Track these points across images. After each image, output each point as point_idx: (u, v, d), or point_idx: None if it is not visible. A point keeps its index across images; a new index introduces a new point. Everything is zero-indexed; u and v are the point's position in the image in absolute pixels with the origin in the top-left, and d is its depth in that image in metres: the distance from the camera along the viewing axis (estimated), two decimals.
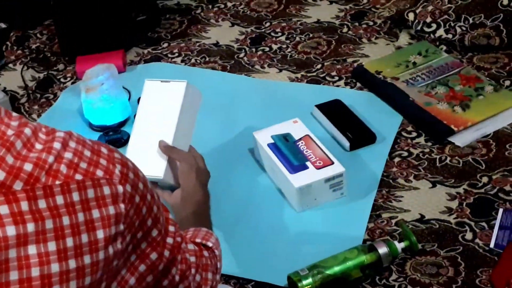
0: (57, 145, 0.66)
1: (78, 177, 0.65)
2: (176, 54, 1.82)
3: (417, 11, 1.75)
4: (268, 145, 1.39)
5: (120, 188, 0.68)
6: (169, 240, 0.79)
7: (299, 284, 1.13)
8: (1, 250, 0.60)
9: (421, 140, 1.47)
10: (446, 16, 1.70)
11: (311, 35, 1.84)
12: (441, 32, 1.71)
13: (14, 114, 0.69)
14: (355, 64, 1.71)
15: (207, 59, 1.79)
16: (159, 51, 1.84)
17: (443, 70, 1.62)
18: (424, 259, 1.20)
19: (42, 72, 1.81)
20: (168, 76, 1.71)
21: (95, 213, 0.65)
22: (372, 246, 1.18)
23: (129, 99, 1.64)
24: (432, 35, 1.72)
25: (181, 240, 0.84)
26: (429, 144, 1.45)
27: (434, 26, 1.71)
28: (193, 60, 1.79)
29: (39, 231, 0.61)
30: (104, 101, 1.55)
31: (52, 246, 0.62)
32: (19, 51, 1.89)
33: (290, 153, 1.36)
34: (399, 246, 1.19)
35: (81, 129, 1.58)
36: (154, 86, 1.28)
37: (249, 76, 1.71)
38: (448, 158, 1.41)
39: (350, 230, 1.27)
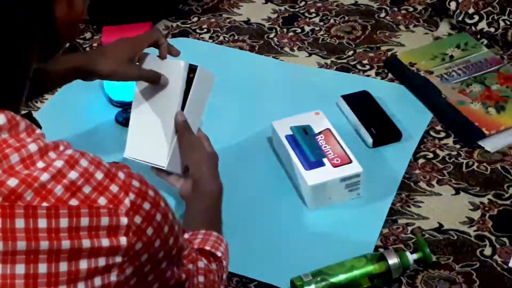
0: (58, 163, 0.61)
1: (73, 202, 0.60)
2: (205, 30, 1.76)
3: (460, 0, 1.64)
4: (286, 136, 1.33)
5: (124, 220, 0.63)
6: (180, 269, 0.75)
7: None
8: None
9: (450, 141, 1.39)
10: (490, 8, 1.60)
11: (346, 18, 1.76)
12: (483, 24, 1.60)
13: (38, 131, 0.65)
14: (389, 53, 1.63)
15: (236, 37, 1.73)
16: (188, 25, 1.79)
17: (481, 67, 1.53)
18: (437, 272, 1.14)
19: None
20: (194, 53, 1.68)
21: (85, 243, 0.60)
22: (382, 256, 1.12)
23: None
24: (473, 27, 1.62)
25: (193, 265, 0.80)
26: (458, 146, 1.37)
27: (476, 17, 1.61)
28: (221, 38, 1.73)
29: (8, 251, 0.57)
30: None
31: (20, 269, 0.57)
32: None
33: (308, 147, 1.30)
34: (411, 257, 1.13)
35: (100, 103, 1.55)
36: (155, 62, 1.19)
37: (277, 58, 1.65)
38: (476, 164, 1.33)
39: (363, 235, 1.21)
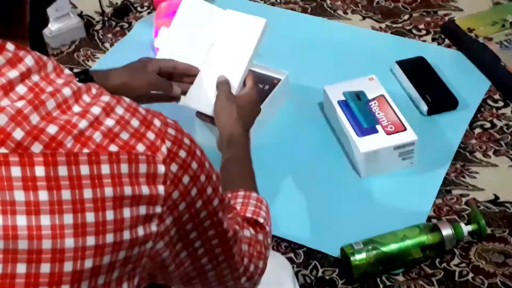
0: (95, 109, 0.60)
1: (113, 148, 0.59)
2: None
3: None
4: (339, 102, 1.30)
5: (162, 168, 0.62)
6: (223, 223, 0.73)
7: (352, 258, 1.07)
8: (6, 213, 0.55)
9: (508, 111, 1.34)
10: None
11: None
12: None
13: (67, 71, 0.63)
14: (447, 18, 1.58)
15: None
16: None
17: None
18: (491, 245, 1.11)
19: None
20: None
21: (127, 190, 0.60)
22: (435, 226, 1.10)
23: None
24: None
25: (240, 229, 0.79)
26: None
27: None
28: None
29: (53, 201, 0.56)
30: None
31: (68, 219, 0.57)
32: None
33: (361, 113, 1.27)
34: (466, 229, 1.11)
35: None
36: (233, 17, 1.22)
37: None
38: None
39: (415, 205, 1.19)
